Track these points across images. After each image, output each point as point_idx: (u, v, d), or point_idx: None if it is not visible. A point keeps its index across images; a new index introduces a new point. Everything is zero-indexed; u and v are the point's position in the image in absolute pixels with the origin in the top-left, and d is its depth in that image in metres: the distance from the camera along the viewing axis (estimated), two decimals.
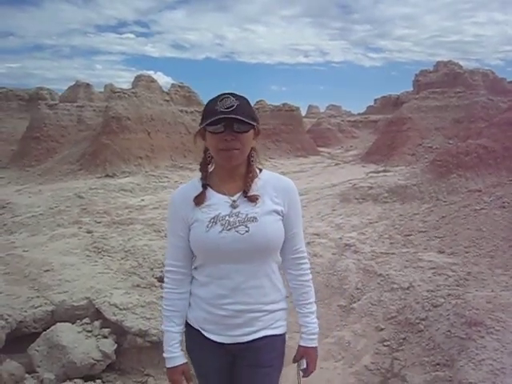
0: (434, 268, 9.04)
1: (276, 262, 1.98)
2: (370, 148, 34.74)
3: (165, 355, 2.07)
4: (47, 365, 6.68)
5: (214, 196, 1.91)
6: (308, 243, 12.04)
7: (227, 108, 1.74)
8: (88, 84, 40.06)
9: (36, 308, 7.74)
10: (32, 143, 31.45)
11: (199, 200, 1.90)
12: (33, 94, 42.25)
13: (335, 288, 9.50)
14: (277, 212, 1.89)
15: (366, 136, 50.08)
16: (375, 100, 72.09)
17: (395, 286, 8.67)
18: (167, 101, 34.54)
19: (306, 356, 2.07)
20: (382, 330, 7.65)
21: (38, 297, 8.15)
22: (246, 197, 1.88)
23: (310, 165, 34.48)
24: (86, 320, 7.36)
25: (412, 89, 42.62)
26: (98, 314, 7.47)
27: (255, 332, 1.93)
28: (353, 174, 24.79)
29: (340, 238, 11.79)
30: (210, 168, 2.00)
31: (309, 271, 2.07)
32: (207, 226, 1.84)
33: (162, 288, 8.98)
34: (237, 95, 1.81)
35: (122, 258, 10.78)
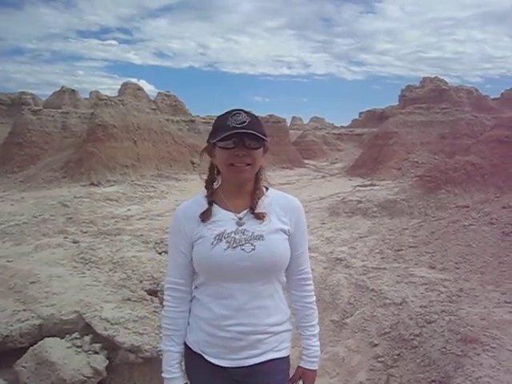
0: (426, 284, 9.06)
1: (280, 282, 1.91)
2: (356, 161, 35.03)
3: (164, 375, 1.95)
4: (35, 382, 6.46)
5: (219, 212, 1.84)
6: None
7: (239, 123, 1.71)
8: (73, 90, 39.70)
9: (23, 322, 7.51)
10: (14, 149, 30.92)
11: (205, 216, 1.83)
12: (15, 99, 41.68)
13: (327, 302, 9.45)
14: (283, 231, 1.83)
15: (351, 149, 50.55)
16: (360, 113, 72.90)
17: (388, 301, 8.66)
18: (154, 109, 34.41)
19: (305, 378, 1.99)
20: (375, 345, 7.61)
21: (24, 310, 7.92)
22: (252, 214, 1.82)
23: (296, 177, 34.60)
24: (76, 335, 7.16)
25: (397, 103, 43.18)
26: (88, 329, 7.26)
27: (259, 355, 1.84)
28: (340, 187, 24.92)
29: (331, 252, 11.78)
30: (215, 185, 1.94)
31: (313, 293, 2.02)
32: (212, 243, 1.77)
33: (152, 302, 8.81)
34: (247, 112, 1.77)
35: (111, 270, 10.57)
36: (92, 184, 24.54)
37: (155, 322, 7.40)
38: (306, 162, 45.21)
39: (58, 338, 7.07)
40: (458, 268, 9.81)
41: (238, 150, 1.72)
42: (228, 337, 1.80)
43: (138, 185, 25.64)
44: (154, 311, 7.83)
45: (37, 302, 8.21)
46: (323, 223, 14.93)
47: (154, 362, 6.76)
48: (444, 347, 6.78)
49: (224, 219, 1.82)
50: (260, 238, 1.77)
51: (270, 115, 45.33)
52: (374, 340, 7.75)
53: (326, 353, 7.67)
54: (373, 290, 9.27)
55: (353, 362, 7.37)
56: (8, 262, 10.87)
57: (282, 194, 1.96)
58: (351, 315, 8.72)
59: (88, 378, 6.33)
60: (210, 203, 1.86)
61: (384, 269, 10.24)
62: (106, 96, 31.04)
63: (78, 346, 6.89)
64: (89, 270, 10.49)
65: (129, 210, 19.32)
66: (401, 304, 8.46)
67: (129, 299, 8.32)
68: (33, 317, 7.69)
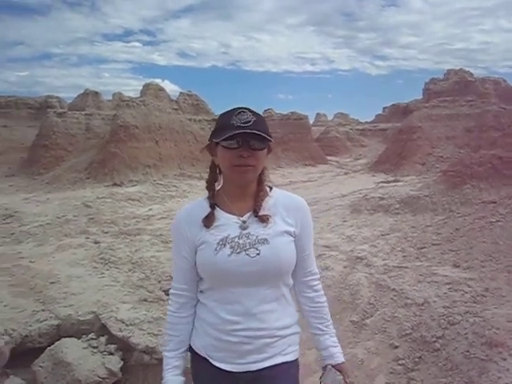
0: (449, 283, 8.77)
1: (287, 285, 1.84)
2: (379, 157, 34.47)
3: (163, 380, 1.91)
4: (51, 382, 6.49)
5: (222, 216, 1.77)
6: (318, 256, 11.80)
7: (244, 123, 1.63)
8: (96, 92, 40.22)
9: (41, 322, 7.58)
10: (41, 151, 31.52)
11: (209, 221, 1.76)
12: (42, 103, 42.57)
13: (347, 303, 9.25)
14: (289, 233, 1.76)
15: (375, 145, 49.85)
16: (384, 108, 71.83)
17: (409, 301, 8.42)
18: (175, 109, 34.55)
19: (344, 371, 1.89)
20: (396, 347, 7.39)
21: (43, 310, 7.99)
22: (256, 217, 1.75)
23: (318, 174, 34.28)
24: (92, 335, 7.17)
25: (421, 97, 42.32)
26: (104, 330, 7.27)
27: (267, 359, 1.78)
28: (362, 183, 24.54)
29: (351, 251, 11.56)
30: (217, 186, 1.86)
31: (323, 292, 1.94)
32: (215, 249, 1.71)
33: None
34: (252, 110, 1.69)
35: (130, 270, 10.61)
36: (115, 184, 24.77)
37: None
38: (328, 158, 44.79)
39: (75, 339, 7.10)
40: (483, 266, 9.47)
41: (242, 150, 1.66)
42: (235, 341, 1.74)
43: (160, 184, 25.77)
44: None
45: (55, 303, 8.28)
46: (344, 221, 14.70)
47: None
48: (468, 351, 6.53)
49: (227, 223, 1.76)
50: (265, 241, 1.71)
51: (291, 112, 45.07)
52: (395, 342, 7.54)
53: (345, 355, 7.41)
54: (394, 289, 9.04)
55: (372, 364, 7.18)
56: (30, 262, 11.03)
57: (287, 194, 1.89)
58: (371, 316, 8.51)
59: (103, 378, 6.33)
60: (213, 206, 1.80)
61: (406, 268, 9.98)
62: (128, 97, 31.31)
63: (94, 347, 6.90)
64: (108, 270, 10.55)
65: (150, 209, 19.42)
66: (423, 304, 8.21)
67: (145, 300, 8.31)
68: (51, 317, 7.75)
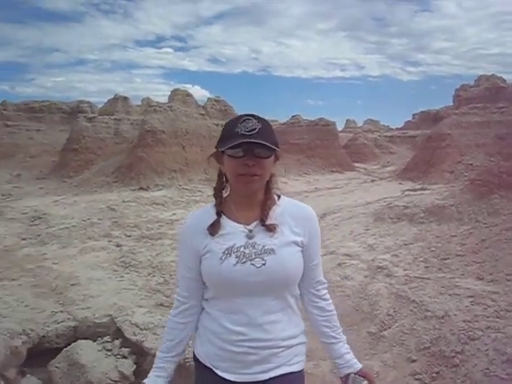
0: (471, 296, 8.49)
1: (293, 295, 1.81)
2: (407, 164, 33.90)
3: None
4: (66, 382, 6.61)
5: (228, 224, 1.75)
6: (339, 264, 11.65)
7: (249, 131, 1.60)
8: (126, 97, 40.91)
9: (59, 323, 7.73)
10: (71, 155, 32.27)
11: (214, 229, 1.73)
12: (74, 107, 43.65)
13: (365, 313, 9.08)
14: (296, 243, 1.74)
15: (404, 152, 49.12)
16: (413, 115, 70.86)
17: (429, 314, 8.18)
18: (202, 115, 34.87)
19: (368, 376, 1.86)
20: (413, 361, 7.19)
21: (61, 311, 8.15)
22: (263, 226, 1.72)
23: (344, 181, 33.97)
24: (107, 338, 7.27)
25: (452, 104, 41.52)
26: (119, 333, 7.36)
27: (273, 369, 1.74)
28: (388, 191, 24.17)
29: (372, 260, 11.35)
30: (225, 193, 1.83)
31: (331, 301, 1.93)
32: (221, 258, 1.68)
33: None
34: (258, 117, 1.67)
35: (149, 274, 10.71)
36: (141, 188, 25.11)
37: None
38: (356, 165, 44.35)
39: (90, 341, 7.21)
40: (509, 280, 9.14)
41: (247, 159, 1.63)
42: (239, 351, 1.72)
43: (186, 189, 25.99)
44: None
45: (74, 304, 8.43)
46: (367, 229, 14.48)
47: (181, 370, 6.73)
48: (487, 368, 6.29)
49: (233, 232, 1.73)
50: (271, 252, 1.68)
51: (319, 118, 44.87)
52: (413, 355, 7.33)
53: None
54: (414, 301, 8.81)
55: (388, 377, 6.99)
56: (54, 264, 11.28)
57: (295, 203, 1.86)
58: (389, 327, 8.31)
59: (115, 381, 6.39)
60: (219, 214, 1.77)
61: (427, 279, 9.72)
62: (156, 103, 31.76)
63: (108, 350, 6.98)
64: (128, 273, 10.68)
65: (174, 214, 19.58)
66: (443, 317, 7.97)
67: (161, 304, 8.36)
68: (69, 318, 7.90)
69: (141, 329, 7.17)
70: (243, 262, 1.66)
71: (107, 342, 7.16)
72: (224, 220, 1.75)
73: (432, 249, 11.58)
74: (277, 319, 1.73)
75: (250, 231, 1.72)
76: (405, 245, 12.25)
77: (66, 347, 7.19)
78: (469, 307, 8.10)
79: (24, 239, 14.32)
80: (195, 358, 1.86)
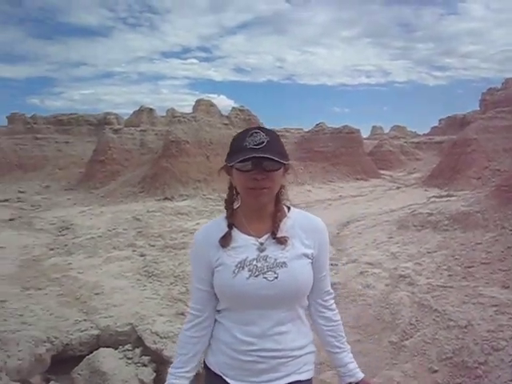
0: (496, 305, 8.31)
1: (302, 306, 1.84)
2: (432, 171, 33.38)
3: None
4: None
5: (240, 237, 1.75)
6: (361, 273, 11.56)
7: (257, 145, 1.60)
8: (151, 109, 41.64)
9: (82, 332, 7.89)
10: (97, 166, 32.97)
11: (225, 242, 1.74)
12: (101, 119, 44.65)
13: (387, 322, 8.98)
14: (306, 255, 1.75)
15: (430, 158, 48.36)
16: (440, 120, 69.77)
17: (452, 323, 8.05)
18: (226, 124, 35.17)
19: None
20: (435, 371, 7.07)
21: (85, 320, 8.32)
22: (274, 239, 1.72)
23: (369, 188, 33.66)
24: (128, 346, 7.38)
25: (479, 108, 40.76)
26: (139, 341, 7.45)
27: (281, 378, 1.75)
28: (414, 198, 23.83)
29: (395, 269, 11.23)
30: (235, 205, 1.83)
31: (337, 311, 1.93)
32: (234, 272, 1.69)
33: None
34: (266, 130, 1.67)
35: (171, 284, 10.83)
36: (166, 198, 25.44)
37: None
38: (381, 172, 43.93)
39: (112, 349, 7.32)
40: None
41: (255, 173, 1.63)
42: (248, 360, 1.73)
43: (210, 199, 26.19)
44: None
45: (97, 313, 8.59)
46: (390, 237, 14.33)
47: (200, 379, 6.79)
48: (511, 380, 6.16)
49: (245, 245, 1.74)
50: (283, 265, 1.69)
51: (343, 126, 44.70)
52: (434, 365, 7.22)
53: (381, 377, 7.26)
54: (436, 310, 8.68)
55: None
56: (79, 273, 11.53)
57: (305, 215, 1.87)
58: (411, 337, 8.20)
59: None
60: (230, 226, 1.78)
61: (451, 287, 9.56)
62: (180, 113, 32.21)
63: (129, 358, 7.09)
64: (151, 283, 10.82)
65: (197, 223, 19.71)
66: (466, 327, 7.83)
67: (182, 314, 8.44)
68: (92, 327, 8.05)
69: (161, 337, 7.26)
70: (256, 276, 1.67)
71: (128, 350, 7.27)
72: (235, 232, 1.76)
73: (456, 257, 11.37)
74: (287, 330, 1.75)
75: (262, 244, 1.72)
76: (428, 253, 12.07)
77: (88, 355, 7.31)
78: (493, 316, 7.94)
79: (52, 249, 14.70)
80: (205, 366, 1.86)
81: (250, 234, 1.74)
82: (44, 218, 21.46)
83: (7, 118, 46.35)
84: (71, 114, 47.28)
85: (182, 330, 1.88)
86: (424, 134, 71.14)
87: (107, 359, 6.97)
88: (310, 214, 1.86)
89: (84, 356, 7.37)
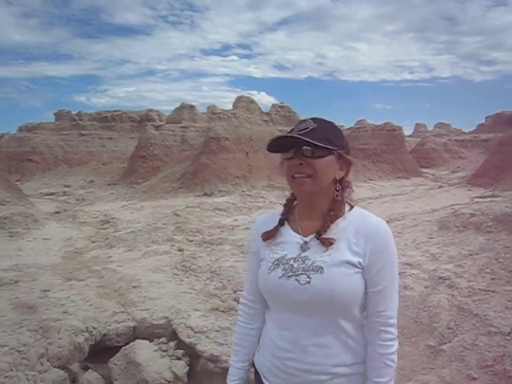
0: None
1: (350, 320, 1.63)
2: (477, 170, 32.29)
3: None
4: (123, 379, 6.90)
5: (287, 233, 1.70)
6: (399, 274, 11.30)
7: (300, 131, 1.56)
8: (192, 105, 42.23)
9: (119, 323, 8.09)
10: (139, 162, 33.70)
11: (267, 236, 1.71)
12: (143, 116, 45.71)
13: (424, 325, 8.75)
14: (352, 264, 1.57)
15: (476, 157, 46.81)
16: (487, 117, 67.50)
17: (493, 329, 7.75)
18: (266, 121, 35.21)
19: None
20: (474, 379, 6.82)
21: (122, 312, 8.52)
22: (318, 239, 1.61)
23: (410, 187, 32.89)
24: (163, 339, 7.52)
25: None
26: (174, 335, 7.59)
27: None
28: (457, 198, 23.14)
29: (434, 270, 10.92)
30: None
31: (392, 343, 1.62)
32: (269, 268, 1.65)
33: None
34: (319, 119, 1.62)
35: (208, 279, 10.93)
36: (205, 194, 25.73)
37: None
38: (424, 170, 42.82)
39: (147, 341, 7.49)
40: None
41: (296, 159, 1.59)
42: (284, 370, 1.66)
43: (248, 195, 26.28)
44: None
45: (134, 306, 8.78)
46: (430, 238, 13.94)
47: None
48: None
49: (289, 241, 1.68)
50: (319, 269, 1.57)
51: (385, 123, 43.87)
52: (473, 373, 6.96)
53: (417, 381, 7.07)
54: (477, 314, 8.38)
55: None
56: (118, 266, 11.81)
57: (363, 216, 1.67)
58: (449, 341, 7.95)
59: (168, 381, 6.60)
60: (281, 222, 1.74)
61: (493, 291, 9.20)
62: (220, 110, 32.48)
63: (164, 351, 7.23)
64: (187, 277, 10.96)
65: (235, 220, 19.84)
66: (509, 334, 7.51)
67: (217, 309, 8.51)
68: (129, 319, 8.24)
69: (195, 332, 7.37)
70: (288, 277, 1.59)
71: (163, 343, 7.41)
72: (285, 228, 1.72)
73: (500, 260, 10.94)
74: (325, 343, 1.60)
75: (306, 243, 1.64)
76: (470, 255, 11.67)
77: (124, 346, 7.51)
78: None
79: (93, 242, 15.15)
80: (253, 364, 1.84)
81: (297, 232, 1.68)
82: (87, 212, 22.14)
83: (54, 114, 48.22)
84: (115, 110, 48.61)
85: (240, 323, 1.88)
86: (469, 132, 69.01)
87: (143, 351, 7.13)
88: (371, 217, 1.66)
89: (120, 347, 7.58)
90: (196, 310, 8.40)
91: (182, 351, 7.16)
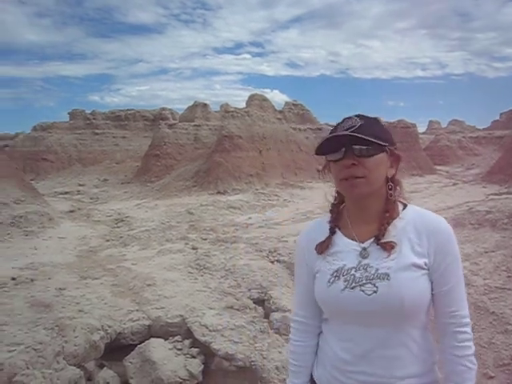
0: None
1: (419, 327, 1.55)
2: (492, 167, 31.92)
3: None
4: (138, 377, 6.93)
5: (341, 241, 1.60)
6: None
7: (347, 129, 1.46)
8: (205, 104, 42.32)
9: (134, 321, 8.13)
10: (152, 160, 33.92)
11: (322, 248, 1.62)
12: (156, 115, 45.95)
13: None
14: (418, 266, 1.49)
15: (490, 153, 46.30)
16: (501, 114, 66.64)
17: (510, 327, 7.68)
18: (279, 119, 35.17)
19: None
20: (491, 377, 6.78)
21: (137, 310, 8.56)
22: (378, 244, 1.52)
23: (425, 184, 32.62)
24: (178, 338, 7.54)
25: None
26: (189, 333, 7.61)
27: None
28: (471, 195, 22.91)
29: None
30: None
31: (469, 344, 1.54)
32: (329, 281, 1.55)
33: (256, 310, 8.92)
34: (364, 116, 1.53)
35: (222, 277, 10.95)
36: (218, 192, 25.81)
37: (251, 331, 7.50)
38: (438, 168, 42.51)
39: (162, 340, 7.52)
40: None
41: (346, 160, 1.49)
42: (346, 382, 1.58)
43: (262, 193, 26.29)
44: (252, 321, 7.92)
45: (149, 304, 8.82)
46: None
47: (247, 372, 6.85)
48: None
49: (345, 250, 1.58)
50: (385, 277, 1.48)
51: (398, 120, 43.62)
52: (490, 371, 6.91)
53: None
54: (493, 313, 8.30)
55: None
56: (132, 264, 11.88)
57: (422, 214, 1.58)
58: None
59: (183, 380, 6.62)
60: (332, 230, 1.64)
61: (509, 289, 9.11)
62: (233, 108, 32.51)
63: (179, 349, 7.25)
64: (202, 275, 10.99)
65: (249, 218, 19.86)
66: None
67: (231, 307, 8.52)
68: (143, 317, 8.28)
69: (210, 330, 7.38)
70: (352, 288, 1.50)
71: (178, 341, 7.44)
72: (337, 236, 1.62)
73: None
74: (394, 355, 1.51)
75: (364, 249, 1.54)
76: (486, 252, 11.55)
77: (139, 344, 7.55)
78: None
79: (108, 240, 15.27)
80: (312, 380, 1.75)
81: (352, 238, 1.58)
82: (101, 211, 22.34)
83: (68, 114, 48.73)
84: (128, 109, 48.94)
85: (293, 342, 1.79)
86: (484, 129, 68.25)
87: (158, 349, 7.16)
88: (430, 214, 1.58)
89: (135, 345, 7.61)
90: (210, 309, 8.42)
91: (196, 349, 7.18)
